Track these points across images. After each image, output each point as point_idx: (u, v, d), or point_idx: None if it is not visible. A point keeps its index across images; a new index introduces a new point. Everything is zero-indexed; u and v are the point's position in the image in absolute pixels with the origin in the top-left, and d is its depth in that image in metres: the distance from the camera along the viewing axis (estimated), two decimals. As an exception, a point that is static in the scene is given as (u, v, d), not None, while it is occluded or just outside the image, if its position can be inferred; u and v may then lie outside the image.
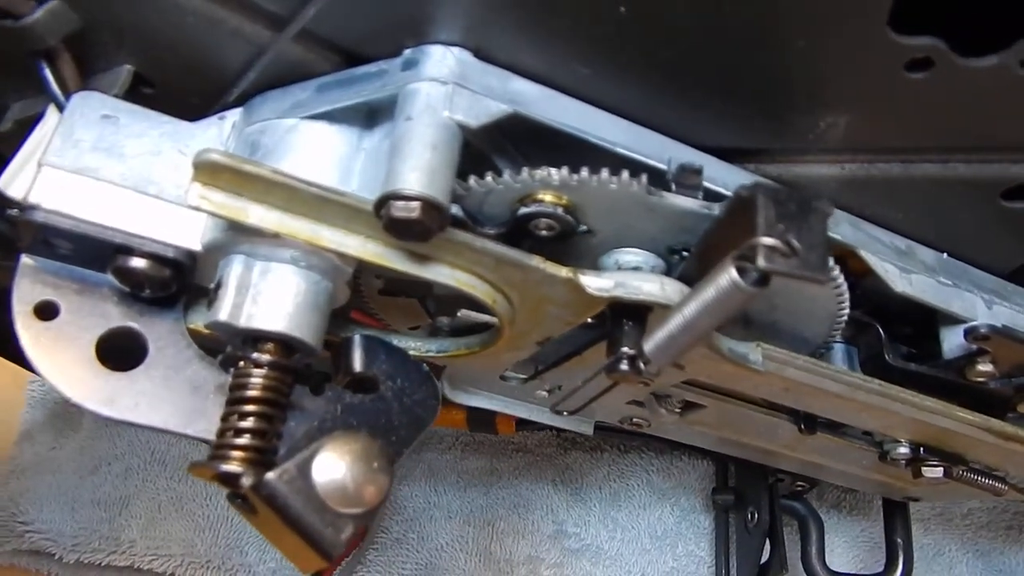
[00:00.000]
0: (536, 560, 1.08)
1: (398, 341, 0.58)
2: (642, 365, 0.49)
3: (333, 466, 0.44)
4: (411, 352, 0.59)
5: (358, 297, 0.61)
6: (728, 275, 0.40)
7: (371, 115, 0.51)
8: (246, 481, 0.43)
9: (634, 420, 0.73)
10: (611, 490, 1.14)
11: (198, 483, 1.08)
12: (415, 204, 0.43)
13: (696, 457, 1.15)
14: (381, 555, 1.07)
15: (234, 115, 0.53)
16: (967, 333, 0.59)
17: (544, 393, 0.70)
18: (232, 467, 0.44)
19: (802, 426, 0.70)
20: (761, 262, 0.38)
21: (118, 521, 1.05)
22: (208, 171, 0.43)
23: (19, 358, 0.88)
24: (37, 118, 0.52)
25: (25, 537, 1.03)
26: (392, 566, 1.07)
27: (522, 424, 0.97)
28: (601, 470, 1.15)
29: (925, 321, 0.63)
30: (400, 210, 0.43)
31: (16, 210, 0.61)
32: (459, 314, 0.60)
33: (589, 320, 0.54)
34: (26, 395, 1.17)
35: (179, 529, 1.06)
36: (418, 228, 0.44)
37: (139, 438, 1.11)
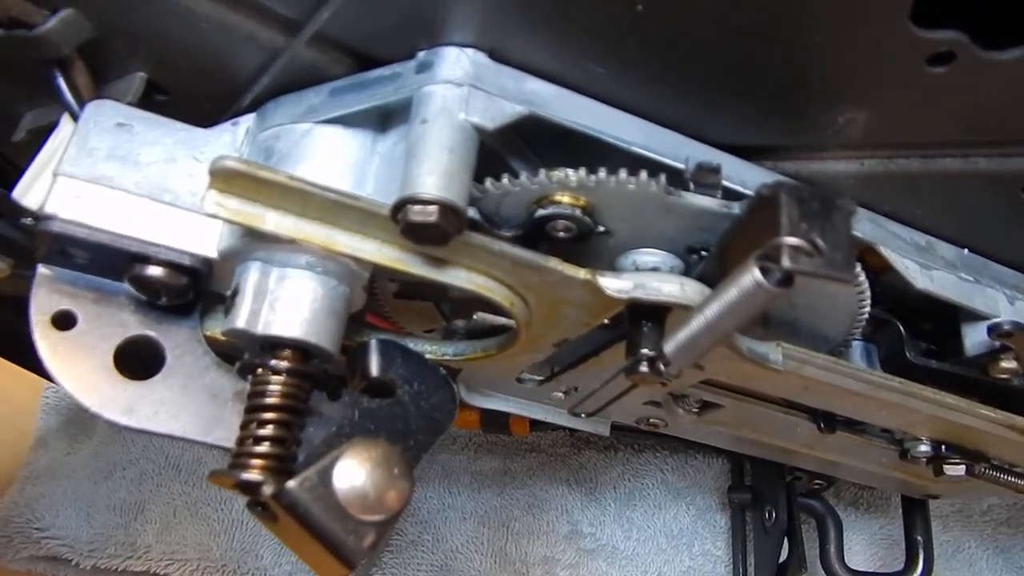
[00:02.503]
0: (552, 560, 1.08)
1: (414, 345, 0.58)
2: (662, 367, 0.48)
3: (354, 473, 0.44)
4: (427, 355, 0.59)
5: (373, 300, 0.61)
6: (751, 275, 0.39)
7: (384, 118, 0.51)
8: (267, 490, 0.43)
9: (651, 420, 0.73)
10: (626, 489, 1.13)
11: (213, 488, 1.08)
12: (432, 208, 0.43)
13: (711, 455, 1.15)
14: (396, 557, 1.07)
15: (247, 120, 0.53)
16: (991, 330, 0.59)
17: (560, 394, 0.69)
18: (253, 476, 0.44)
19: (821, 425, 0.69)
20: (786, 262, 0.38)
21: (133, 526, 1.05)
22: (224, 178, 0.43)
23: (36, 367, 0.89)
24: (51, 127, 0.52)
25: (42, 543, 1.03)
26: (407, 568, 1.06)
27: (536, 424, 0.97)
28: (615, 469, 1.14)
29: (945, 317, 0.63)
30: (417, 214, 0.43)
31: (30, 219, 0.62)
32: (475, 317, 0.60)
33: (606, 321, 0.54)
34: (40, 402, 1.17)
35: (194, 534, 1.06)
36: (436, 232, 0.44)
37: (153, 443, 1.11)
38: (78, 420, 1.16)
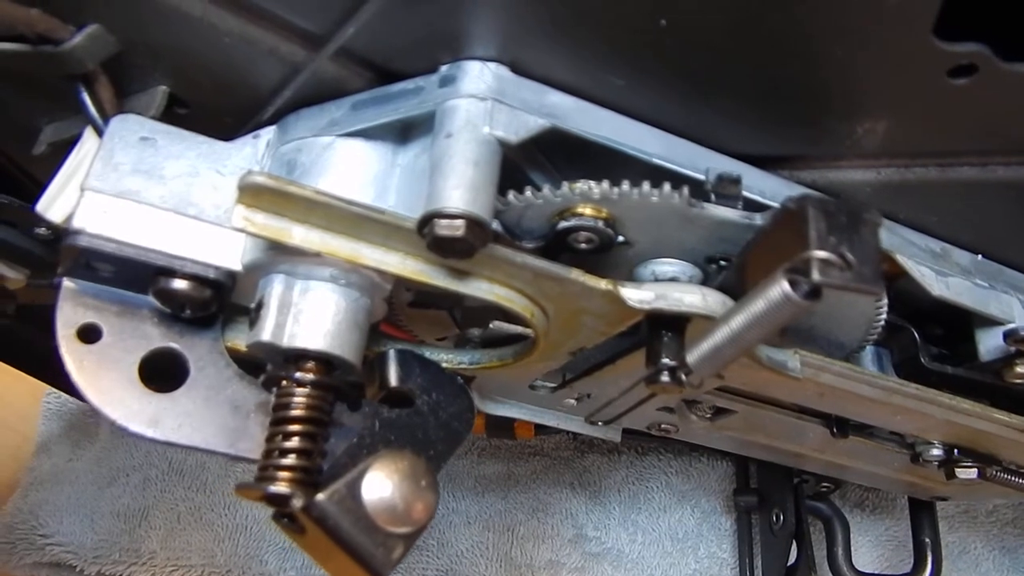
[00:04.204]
0: (557, 564, 1.08)
1: (431, 354, 0.58)
2: (683, 376, 0.49)
3: (382, 485, 0.44)
4: (444, 365, 0.59)
5: (388, 310, 0.61)
6: (780, 288, 0.40)
7: (405, 131, 0.51)
8: (297, 502, 0.43)
9: (663, 426, 0.73)
10: (630, 493, 1.14)
11: (216, 493, 1.09)
12: (459, 222, 0.43)
13: (715, 458, 1.16)
14: (401, 562, 1.07)
15: (268, 133, 0.53)
16: (1007, 335, 0.59)
17: (572, 401, 0.70)
18: (281, 488, 0.44)
19: (834, 429, 0.70)
20: (816, 276, 0.38)
21: (138, 532, 1.05)
22: (252, 193, 0.43)
23: (44, 375, 0.89)
24: (71, 141, 0.52)
25: (46, 550, 1.03)
26: (412, 573, 1.07)
27: (541, 428, 0.97)
28: (619, 473, 1.15)
29: (957, 322, 0.63)
30: (445, 228, 0.43)
31: (44, 230, 0.62)
32: (491, 325, 0.60)
33: (622, 330, 0.54)
34: (42, 407, 1.17)
35: (199, 539, 1.06)
36: (462, 246, 0.44)
37: (156, 449, 1.11)
38: (80, 425, 1.16)
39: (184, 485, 1.09)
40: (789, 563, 0.97)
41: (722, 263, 0.52)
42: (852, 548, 1.01)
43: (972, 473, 0.71)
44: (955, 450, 0.71)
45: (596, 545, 1.10)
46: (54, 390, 1.16)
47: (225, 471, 1.10)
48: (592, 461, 1.15)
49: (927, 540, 0.95)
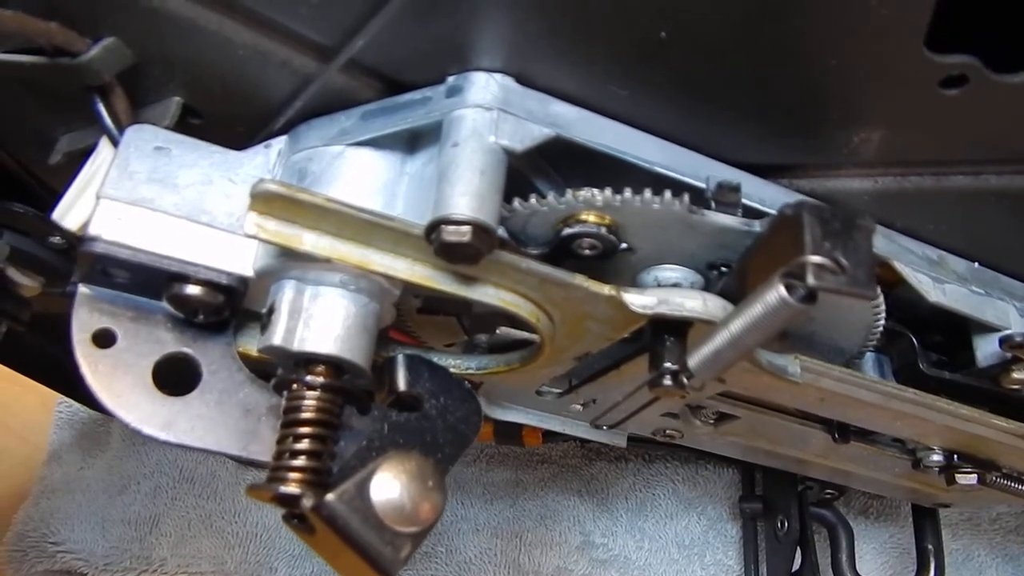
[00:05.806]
0: (565, 571, 1.09)
1: (438, 359, 0.59)
2: (685, 379, 0.50)
3: (390, 485, 0.45)
4: (451, 370, 0.60)
5: (396, 316, 0.62)
6: (776, 292, 0.41)
7: (413, 140, 0.53)
8: (307, 502, 0.44)
9: (667, 432, 0.74)
10: (637, 500, 1.14)
11: (227, 501, 1.09)
12: (466, 228, 0.44)
13: (721, 465, 1.16)
14: (410, 569, 1.08)
15: (279, 143, 0.54)
16: (1002, 341, 0.60)
17: (578, 407, 0.71)
18: (291, 488, 0.45)
19: (836, 435, 0.71)
20: (810, 280, 0.39)
21: (148, 540, 1.06)
22: (264, 200, 0.44)
23: (55, 382, 0.90)
24: (87, 151, 0.53)
25: (57, 557, 1.04)
26: (421, 579, 1.07)
27: (549, 435, 0.98)
28: (626, 480, 1.15)
29: (955, 329, 0.64)
30: (451, 234, 0.44)
31: (59, 238, 0.63)
32: (498, 331, 0.61)
33: (626, 335, 0.55)
34: (54, 416, 1.18)
35: (209, 547, 1.07)
36: (469, 251, 0.45)
37: (167, 457, 1.12)
38: (91, 434, 1.17)
39: (195, 493, 1.10)
40: (793, 569, 0.97)
41: (723, 269, 0.53)
42: (856, 555, 1.01)
43: (972, 479, 0.72)
44: (955, 456, 0.72)
45: (603, 552, 1.10)
46: (66, 399, 1.17)
47: (236, 479, 1.11)
48: (599, 469, 1.16)
49: (930, 547, 0.96)
